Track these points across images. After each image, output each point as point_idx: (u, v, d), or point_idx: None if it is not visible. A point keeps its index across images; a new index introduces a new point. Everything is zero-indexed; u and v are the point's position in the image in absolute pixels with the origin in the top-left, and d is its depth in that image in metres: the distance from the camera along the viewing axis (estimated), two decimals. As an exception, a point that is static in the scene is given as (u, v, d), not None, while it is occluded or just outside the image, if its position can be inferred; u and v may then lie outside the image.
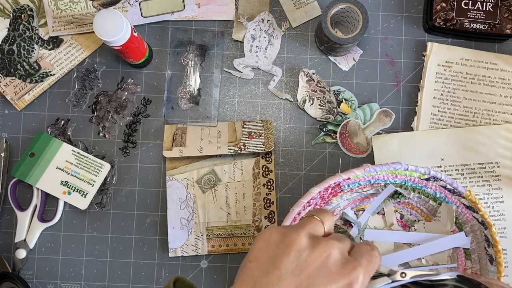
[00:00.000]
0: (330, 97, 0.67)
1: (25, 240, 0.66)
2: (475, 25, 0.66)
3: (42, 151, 0.65)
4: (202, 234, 0.66)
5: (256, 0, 0.68)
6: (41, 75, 0.67)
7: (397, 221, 0.64)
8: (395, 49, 0.68)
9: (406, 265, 0.62)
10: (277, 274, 0.38)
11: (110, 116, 0.67)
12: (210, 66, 0.68)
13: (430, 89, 0.67)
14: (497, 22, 0.66)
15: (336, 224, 0.64)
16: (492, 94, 0.67)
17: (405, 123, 0.68)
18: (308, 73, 0.67)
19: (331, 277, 0.38)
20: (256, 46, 0.68)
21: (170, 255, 0.65)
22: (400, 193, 0.62)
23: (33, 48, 0.67)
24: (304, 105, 0.67)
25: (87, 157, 0.66)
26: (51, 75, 0.67)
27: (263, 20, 0.68)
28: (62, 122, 0.67)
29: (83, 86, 0.68)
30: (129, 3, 0.67)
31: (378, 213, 0.64)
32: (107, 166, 0.66)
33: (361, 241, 0.46)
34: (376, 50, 0.68)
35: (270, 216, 0.66)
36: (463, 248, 0.60)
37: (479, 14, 0.66)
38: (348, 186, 0.60)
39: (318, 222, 0.43)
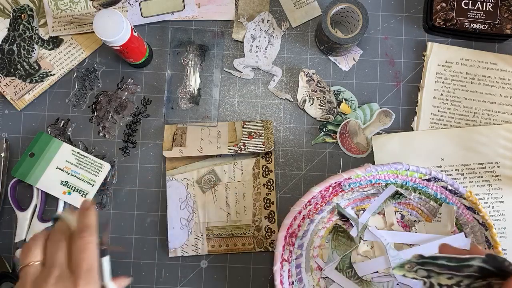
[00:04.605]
0: (330, 97, 0.67)
1: (25, 240, 0.66)
2: (475, 25, 0.66)
3: (42, 151, 0.65)
4: (202, 234, 0.66)
5: (256, 0, 0.68)
6: (41, 75, 0.67)
7: (398, 222, 0.64)
8: (395, 49, 0.68)
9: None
10: None
11: (110, 116, 0.67)
12: (210, 66, 0.68)
13: (430, 89, 0.67)
14: (497, 22, 0.66)
15: (336, 224, 0.64)
16: (492, 94, 0.67)
17: (405, 123, 0.68)
18: (308, 73, 0.67)
19: None
20: (256, 46, 0.68)
21: (170, 255, 0.65)
22: (401, 194, 0.62)
23: (33, 48, 0.67)
24: (304, 105, 0.67)
25: (87, 157, 0.65)
26: (51, 75, 0.67)
27: (263, 20, 0.68)
28: (62, 122, 0.67)
29: (83, 86, 0.68)
30: (129, 3, 0.67)
31: (378, 213, 0.64)
32: (107, 166, 0.66)
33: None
34: (376, 50, 0.68)
35: (270, 216, 0.66)
36: (463, 248, 0.60)
37: (479, 14, 0.66)
38: (349, 185, 0.60)
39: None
